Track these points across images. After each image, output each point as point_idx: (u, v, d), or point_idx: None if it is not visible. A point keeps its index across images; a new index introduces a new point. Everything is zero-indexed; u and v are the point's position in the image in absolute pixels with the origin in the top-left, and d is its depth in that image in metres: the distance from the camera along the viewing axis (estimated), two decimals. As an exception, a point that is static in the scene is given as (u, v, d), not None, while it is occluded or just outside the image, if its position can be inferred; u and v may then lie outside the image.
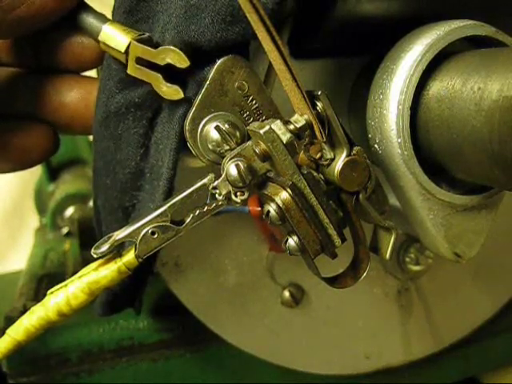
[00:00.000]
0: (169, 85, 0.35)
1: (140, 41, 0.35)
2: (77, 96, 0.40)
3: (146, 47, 0.35)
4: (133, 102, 0.37)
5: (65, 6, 0.36)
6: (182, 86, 0.35)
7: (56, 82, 0.41)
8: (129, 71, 0.36)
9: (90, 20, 0.37)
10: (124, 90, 0.36)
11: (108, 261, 0.35)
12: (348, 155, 0.34)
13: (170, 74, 0.35)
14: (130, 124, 0.37)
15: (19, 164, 0.42)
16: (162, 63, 0.35)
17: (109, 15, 0.38)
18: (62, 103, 0.41)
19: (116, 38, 0.36)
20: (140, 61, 0.35)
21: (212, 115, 0.35)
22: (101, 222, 0.42)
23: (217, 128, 0.35)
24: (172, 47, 0.34)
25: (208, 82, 0.34)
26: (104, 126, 0.38)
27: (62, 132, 0.42)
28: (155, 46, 0.35)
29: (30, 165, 0.42)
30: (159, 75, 0.35)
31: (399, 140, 0.35)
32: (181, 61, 0.34)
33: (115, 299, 0.43)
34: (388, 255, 0.38)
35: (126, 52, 0.35)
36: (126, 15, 0.36)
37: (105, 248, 0.34)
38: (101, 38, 0.36)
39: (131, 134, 0.38)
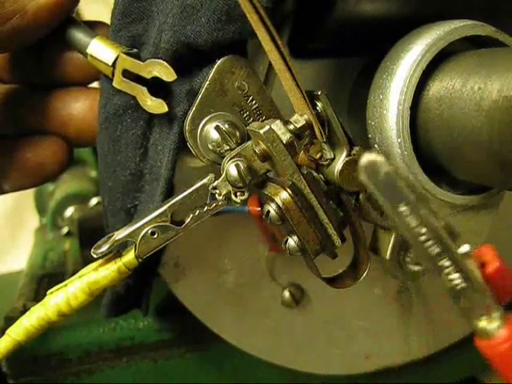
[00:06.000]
0: (153, 98, 0.35)
1: (128, 55, 0.35)
2: (84, 107, 0.40)
3: (133, 60, 0.35)
4: (130, 104, 0.37)
5: (57, 16, 0.36)
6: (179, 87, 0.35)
7: (61, 95, 0.41)
8: (114, 84, 0.36)
9: (78, 34, 0.37)
10: (121, 92, 0.36)
11: (108, 261, 0.35)
12: (348, 155, 0.34)
13: (156, 87, 0.35)
14: (128, 125, 0.37)
15: (36, 179, 0.42)
16: (148, 76, 0.35)
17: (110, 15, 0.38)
18: (70, 115, 0.41)
19: (104, 51, 0.36)
20: (126, 74, 0.35)
21: (212, 115, 0.35)
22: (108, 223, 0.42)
23: (217, 128, 0.35)
24: (160, 60, 0.34)
25: (208, 82, 0.34)
26: (104, 129, 0.38)
27: (74, 144, 0.42)
28: (143, 61, 0.35)
29: (47, 179, 0.43)
30: (144, 88, 0.35)
31: (399, 140, 0.35)
32: (168, 74, 0.34)
33: (120, 301, 0.43)
34: (388, 255, 0.38)
35: (114, 65, 0.35)
36: (121, 16, 0.36)
37: (105, 248, 0.34)
38: (89, 50, 0.36)
39: (129, 135, 0.38)
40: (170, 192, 0.37)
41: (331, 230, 0.34)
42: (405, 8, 0.38)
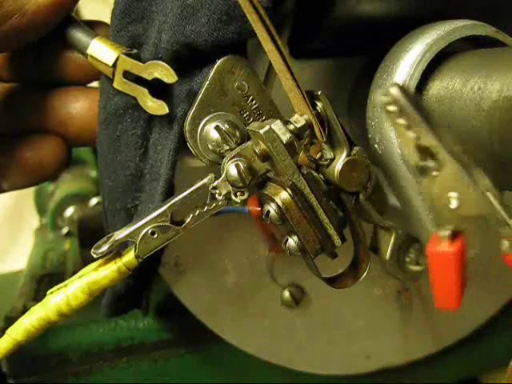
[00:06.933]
0: (154, 100, 0.35)
1: (128, 55, 0.35)
2: (84, 106, 0.40)
3: (134, 61, 0.35)
4: (130, 104, 0.37)
5: (56, 16, 0.36)
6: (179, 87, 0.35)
7: (61, 94, 0.41)
8: (115, 85, 0.36)
9: (78, 34, 0.37)
10: (121, 92, 0.36)
11: (108, 261, 0.35)
12: (348, 155, 0.34)
13: (157, 88, 0.35)
14: (128, 125, 0.37)
15: (35, 178, 0.42)
16: (149, 78, 0.35)
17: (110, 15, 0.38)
18: (70, 115, 0.41)
19: (105, 51, 0.36)
20: (127, 75, 0.35)
21: (212, 115, 0.35)
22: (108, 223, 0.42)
23: (217, 128, 0.35)
24: (160, 62, 0.34)
25: (208, 82, 0.34)
26: (104, 129, 0.38)
27: (73, 144, 0.42)
28: (143, 61, 0.35)
29: (46, 178, 0.43)
30: (145, 90, 0.35)
31: (399, 140, 0.35)
32: (169, 76, 0.34)
33: (120, 301, 0.43)
34: (388, 255, 0.38)
35: (114, 65, 0.35)
36: (121, 16, 0.36)
37: (105, 248, 0.34)
38: (89, 51, 0.36)
39: (129, 135, 0.38)
40: (170, 192, 0.37)
41: (331, 230, 0.34)
42: (405, 8, 0.38)
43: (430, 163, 0.24)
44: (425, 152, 0.24)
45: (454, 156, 0.24)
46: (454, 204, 0.25)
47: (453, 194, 0.25)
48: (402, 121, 0.23)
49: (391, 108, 0.23)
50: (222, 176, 0.33)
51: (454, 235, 0.26)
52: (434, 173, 0.24)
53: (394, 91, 0.23)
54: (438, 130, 0.24)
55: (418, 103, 0.23)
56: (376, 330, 0.53)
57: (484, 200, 0.25)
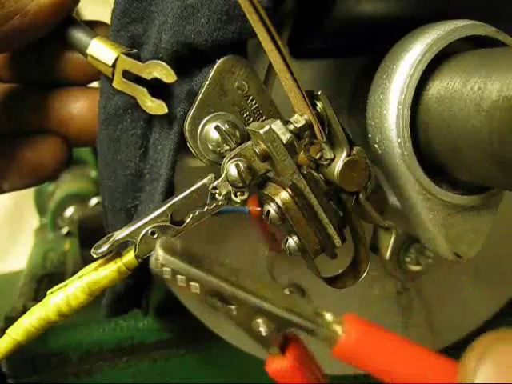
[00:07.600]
0: (153, 99, 0.35)
1: (128, 55, 0.35)
2: (84, 107, 0.40)
3: (133, 61, 0.35)
4: (130, 104, 0.37)
5: (57, 17, 0.36)
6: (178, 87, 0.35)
7: (61, 94, 0.41)
8: (115, 85, 0.36)
9: (78, 34, 0.37)
10: (121, 92, 0.37)
11: (108, 261, 0.35)
12: (348, 155, 0.34)
13: (156, 88, 0.35)
14: (128, 125, 0.37)
15: (35, 178, 0.42)
16: (148, 77, 0.35)
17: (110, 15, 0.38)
18: (70, 115, 0.41)
19: (104, 51, 0.36)
20: (126, 75, 0.35)
21: (212, 115, 0.35)
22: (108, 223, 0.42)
23: (217, 128, 0.35)
24: (160, 62, 0.34)
25: (208, 82, 0.34)
26: (104, 129, 0.38)
27: (73, 144, 0.42)
28: (143, 61, 0.35)
29: (46, 178, 0.43)
30: (144, 89, 0.35)
31: (399, 140, 0.35)
32: (168, 75, 0.34)
33: (120, 301, 0.43)
34: (388, 255, 0.38)
35: (114, 65, 0.35)
36: (121, 16, 0.36)
37: (105, 248, 0.34)
38: (89, 51, 0.36)
39: (129, 135, 0.38)
40: (170, 192, 0.37)
41: (331, 230, 0.34)
42: (405, 8, 0.38)
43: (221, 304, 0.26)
44: (217, 294, 0.26)
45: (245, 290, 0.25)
46: (263, 329, 0.26)
47: (259, 321, 0.26)
48: (180, 282, 0.25)
49: (167, 275, 0.24)
50: (222, 176, 0.33)
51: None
52: (232, 307, 0.26)
53: (161, 256, 0.24)
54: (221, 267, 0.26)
55: (187, 254, 0.25)
56: (376, 330, 0.53)
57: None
